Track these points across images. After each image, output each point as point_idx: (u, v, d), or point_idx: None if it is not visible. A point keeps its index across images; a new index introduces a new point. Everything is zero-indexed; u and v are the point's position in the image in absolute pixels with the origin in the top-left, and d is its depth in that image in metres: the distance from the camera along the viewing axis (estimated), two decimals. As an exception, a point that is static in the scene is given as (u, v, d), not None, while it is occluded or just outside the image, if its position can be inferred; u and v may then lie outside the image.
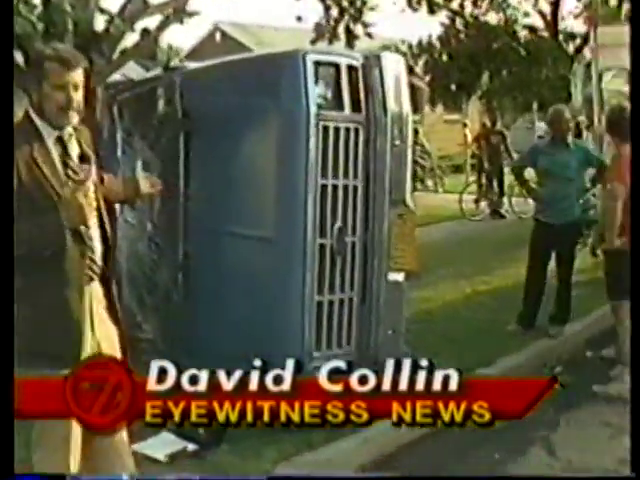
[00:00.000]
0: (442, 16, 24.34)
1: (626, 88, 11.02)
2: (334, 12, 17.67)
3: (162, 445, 5.07)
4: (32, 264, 3.61)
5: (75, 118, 3.79)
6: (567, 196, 7.98)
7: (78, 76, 3.76)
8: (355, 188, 5.51)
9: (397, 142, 5.59)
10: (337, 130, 5.39)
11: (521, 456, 5.64)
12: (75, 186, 3.69)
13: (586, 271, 9.74)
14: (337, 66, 5.47)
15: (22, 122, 3.74)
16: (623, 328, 6.85)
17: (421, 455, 5.58)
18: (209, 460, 5.02)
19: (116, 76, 7.78)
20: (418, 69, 22.99)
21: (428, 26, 23.92)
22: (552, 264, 8.21)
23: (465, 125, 26.38)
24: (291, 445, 5.21)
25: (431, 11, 22.65)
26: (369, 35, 17.64)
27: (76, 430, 3.76)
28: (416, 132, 24.32)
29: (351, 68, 5.50)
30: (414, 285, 8.45)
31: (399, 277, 5.64)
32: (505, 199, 18.04)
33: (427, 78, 23.22)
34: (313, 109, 5.27)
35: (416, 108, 6.33)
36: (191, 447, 5.10)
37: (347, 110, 5.47)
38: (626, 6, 20.07)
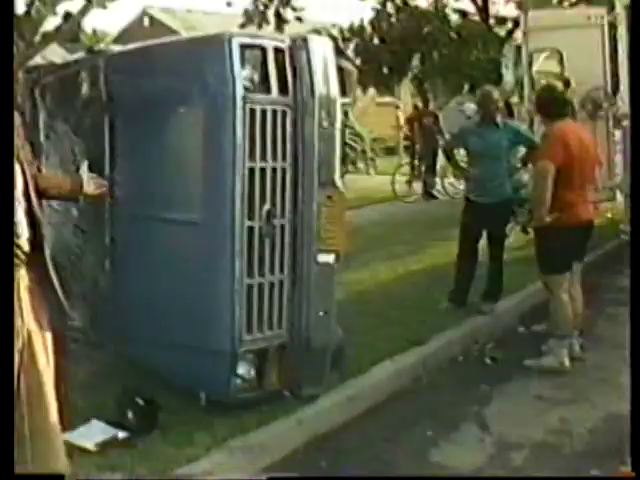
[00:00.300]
0: (373, 0, 24.33)
1: (557, 69, 11.14)
2: (263, -4, 17.61)
3: (92, 434, 5.00)
4: None
5: None
6: (497, 175, 8.06)
7: None
8: (283, 170, 5.46)
9: (325, 124, 5.54)
10: (264, 113, 5.34)
11: (454, 432, 5.68)
12: None
13: (518, 249, 9.86)
14: (264, 49, 5.41)
15: None
16: (555, 301, 6.96)
17: (354, 436, 5.61)
18: (140, 448, 4.95)
19: (38, 59, 7.64)
20: (349, 52, 22.97)
21: (359, 10, 23.80)
22: (484, 242, 8.28)
23: (398, 107, 26.48)
24: (224, 429, 5.18)
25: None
26: (299, 19, 17.61)
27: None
28: (346, 115, 24.39)
29: (278, 51, 5.44)
30: (347, 267, 8.49)
31: (329, 259, 5.61)
32: (438, 180, 18.18)
33: (358, 61, 23.19)
34: (240, 92, 5.21)
35: (345, 91, 6.29)
36: (122, 435, 5.03)
37: (274, 93, 5.40)
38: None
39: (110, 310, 6.26)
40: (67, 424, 4.40)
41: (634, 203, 4.71)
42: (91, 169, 4.54)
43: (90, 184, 4.33)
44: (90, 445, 4.86)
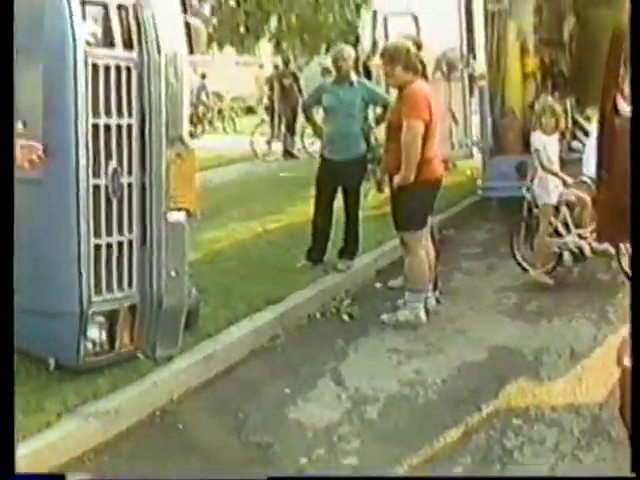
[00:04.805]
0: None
1: (413, 32, 11.18)
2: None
3: None
4: None
5: None
6: (351, 133, 8.10)
7: None
8: (129, 127, 5.33)
9: (172, 80, 5.43)
10: (108, 68, 5.18)
11: (311, 390, 5.67)
12: None
13: (374, 207, 9.92)
14: (105, 5, 5.24)
15: None
16: (412, 257, 7.03)
17: (211, 396, 5.57)
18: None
19: None
20: (205, 11, 22.66)
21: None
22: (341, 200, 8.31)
23: (262, 67, 26.40)
24: (75, 395, 5.03)
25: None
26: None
27: None
28: (204, 75, 24.09)
29: (121, 7, 5.29)
30: (205, 226, 8.41)
31: (180, 217, 5.52)
32: (297, 139, 18.22)
33: (214, 21, 22.92)
34: (81, 47, 5.03)
35: (193, 48, 6.15)
36: (-34, 406, 4.83)
37: (118, 48, 5.25)
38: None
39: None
40: None
41: (634, 203, 4.75)
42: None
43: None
44: None
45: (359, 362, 6.17)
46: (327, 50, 23.36)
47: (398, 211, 7.07)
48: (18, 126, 3.77)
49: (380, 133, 9.20)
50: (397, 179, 6.84)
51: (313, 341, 6.60)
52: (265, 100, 21.49)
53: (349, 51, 8.41)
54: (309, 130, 15.36)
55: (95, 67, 5.11)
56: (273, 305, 6.90)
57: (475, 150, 11.86)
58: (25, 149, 3.72)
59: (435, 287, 7.44)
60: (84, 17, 5.11)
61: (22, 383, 5.10)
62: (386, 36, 11.49)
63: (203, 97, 23.88)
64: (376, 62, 12.83)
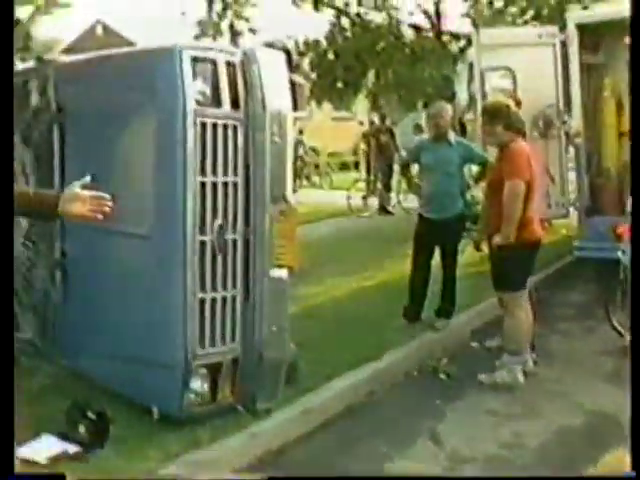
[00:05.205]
0: (328, 14, 24.34)
1: (510, 87, 11.15)
2: (217, 7, 17.65)
3: (43, 448, 4.92)
4: None
5: None
6: (449, 191, 8.08)
7: None
8: (235, 185, 5.45)
9: (276, 139, 5.52)
10: (215, 127, 5.32)
11: (408, 448, 5.66)
12: None
13: (471, 265, 9.88)
14: (215, 62, 5.40)
15: None
16: (512, 319, 6.99)
17: (308, 450, 5.58)
18: (92, 462, 4.89)
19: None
20: (305, 66, 23.01)
21: (315, 24, 23.63)
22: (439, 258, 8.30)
23: (362, 123, 26.62)
24: (177, 444, 5.13)
25: (316, 8, 22.73)
26: (252, 31, 17.66)
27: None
28: (301, 130, 24.40)
29: (229, 64, 5.43)
30: (302, 281, 8.48)
31: (282, 274, 5.61)
32: (393, 195, 18.25)
33: (313, 75, 23.23)
34: (190, 105, 5.19)
35: (297, 105, 6.27)
36: (72, 449, 4.96)
37: (226, 106, 5.39)
38: (512, 9, 20.30)
39: (61, 322, 6.22)
40: (17, 439, 4.32)
41: (634, 203, 4.71)
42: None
43: (75, 203, 3.67)
44: (41, 459, 4.79)
45: (456, 422, 6.14)
46: (425, 106, 23.45)
47: (497, 271, 7.03)
48: (86, 179, 3.80)
49: (476, 191, 9.25)
50: (497, 239, 6.82)
51: (410, 399, 6.59)
52: (362, 156, 21.61)
53: (447, 109, 8.41)
54: (404, 185, 15.49)
55: (203, 126, 5.26)
56: (370, 362, 6.92)
57: (571, 209, 11.71)
58: (94, 201, 3.74)
59: (532, 348, 7.36)
60: (194, 75, 5.27)
61: (126, 430, 5.24)
62: (482, 91, 11.50)
63: (301, 152, 24.23)
64: (471, 117, 12.89)
